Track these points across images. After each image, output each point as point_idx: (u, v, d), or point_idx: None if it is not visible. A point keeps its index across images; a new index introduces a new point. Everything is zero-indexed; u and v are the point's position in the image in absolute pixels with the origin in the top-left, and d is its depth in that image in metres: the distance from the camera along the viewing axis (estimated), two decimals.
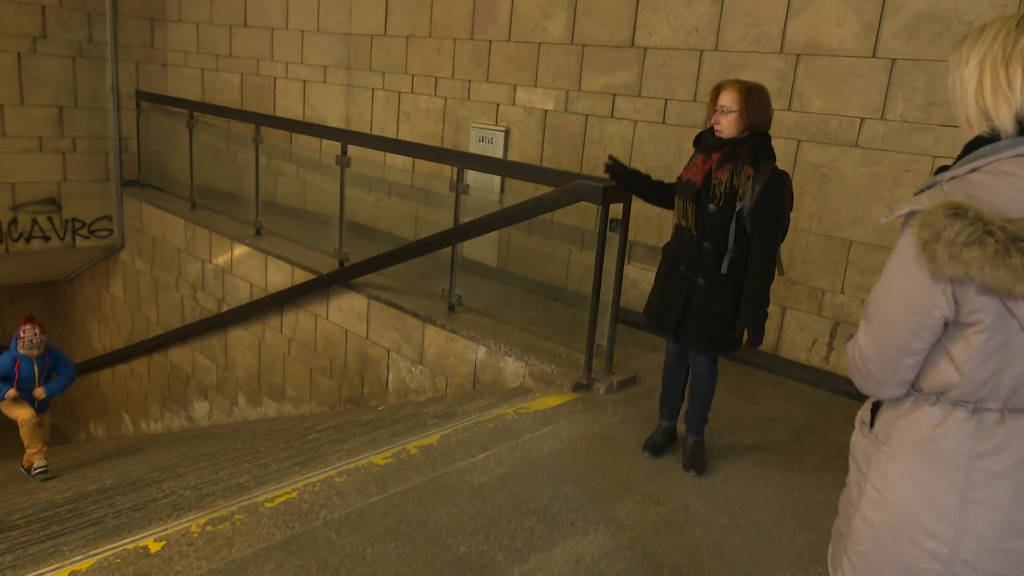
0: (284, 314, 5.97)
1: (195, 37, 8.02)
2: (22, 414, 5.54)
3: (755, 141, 2.81)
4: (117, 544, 2.36)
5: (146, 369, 8.18)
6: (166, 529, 2.44)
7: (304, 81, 7.14)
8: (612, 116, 5.00)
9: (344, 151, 5.38)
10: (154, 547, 2.34)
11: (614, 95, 4.97)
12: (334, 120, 6.87)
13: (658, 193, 3.13)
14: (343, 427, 4.35)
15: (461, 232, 4.53)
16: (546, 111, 5.36)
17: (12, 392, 5.48)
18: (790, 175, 2.91)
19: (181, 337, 7.40)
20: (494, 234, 4.90)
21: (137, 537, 2.40)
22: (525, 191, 4.89)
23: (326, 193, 6.24)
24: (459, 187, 4.50)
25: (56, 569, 2.32)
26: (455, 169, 4.62)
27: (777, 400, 3.94)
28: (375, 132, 6.47)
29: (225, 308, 6.67)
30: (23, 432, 5.58)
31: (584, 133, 5.18)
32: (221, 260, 6.60)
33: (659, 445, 3.25)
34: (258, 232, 6.38)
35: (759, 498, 2.92)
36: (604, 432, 3.40)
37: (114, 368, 8.88)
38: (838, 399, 3.95)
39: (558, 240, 5.24)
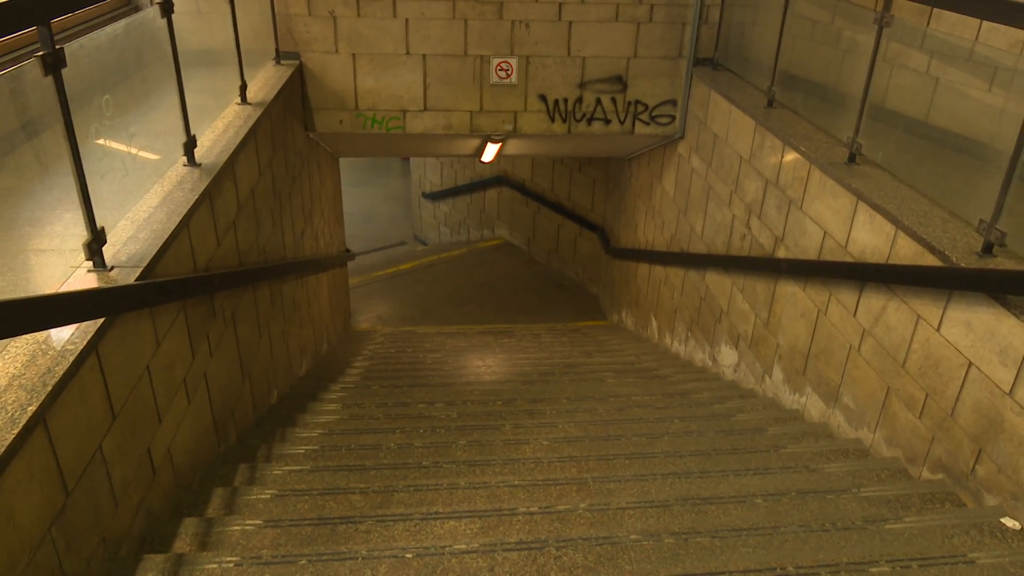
0: (864, 293, 4.01)
1: None
2: None
3: None
4: None
5: (680, 282, 7.15)
6: None
7: None
8: None
9: None
10: None
11: None
12: None
13: None
14: None
15: None
16: None
17: None
18: None
19: (723, 264, 6.04)
20: None
21: None
22: None
23: (987, 111, 3.86)
24: None
25: None
26: None
27: None
28: None
29: (782, 252, 4.98)
30: None
31: None
32: (791, 186, 4.83)
33: None
34: (852, 159, 4.37)
35: None
36: None
37: (651, 267, 8.14)
38: None
39: None
